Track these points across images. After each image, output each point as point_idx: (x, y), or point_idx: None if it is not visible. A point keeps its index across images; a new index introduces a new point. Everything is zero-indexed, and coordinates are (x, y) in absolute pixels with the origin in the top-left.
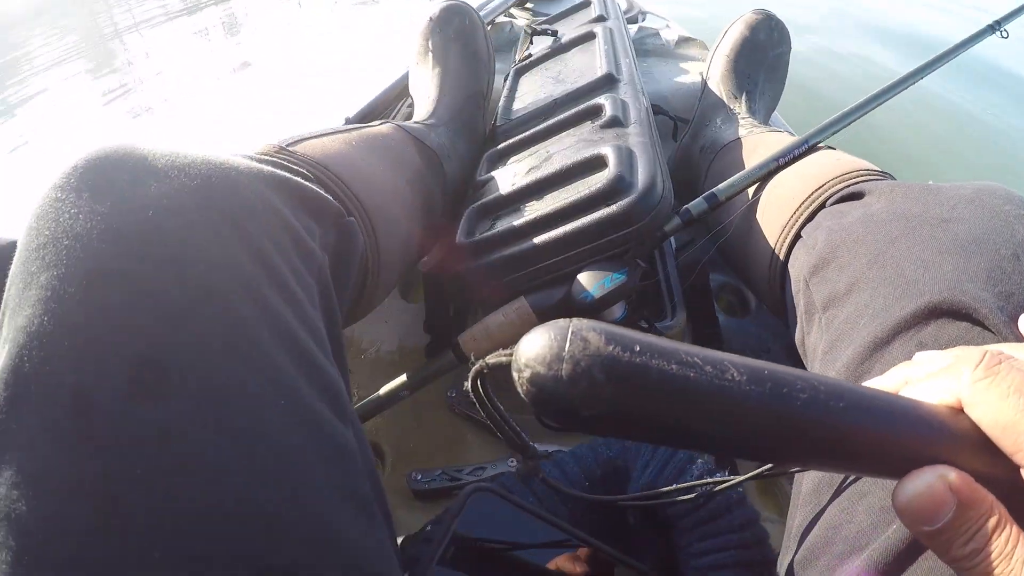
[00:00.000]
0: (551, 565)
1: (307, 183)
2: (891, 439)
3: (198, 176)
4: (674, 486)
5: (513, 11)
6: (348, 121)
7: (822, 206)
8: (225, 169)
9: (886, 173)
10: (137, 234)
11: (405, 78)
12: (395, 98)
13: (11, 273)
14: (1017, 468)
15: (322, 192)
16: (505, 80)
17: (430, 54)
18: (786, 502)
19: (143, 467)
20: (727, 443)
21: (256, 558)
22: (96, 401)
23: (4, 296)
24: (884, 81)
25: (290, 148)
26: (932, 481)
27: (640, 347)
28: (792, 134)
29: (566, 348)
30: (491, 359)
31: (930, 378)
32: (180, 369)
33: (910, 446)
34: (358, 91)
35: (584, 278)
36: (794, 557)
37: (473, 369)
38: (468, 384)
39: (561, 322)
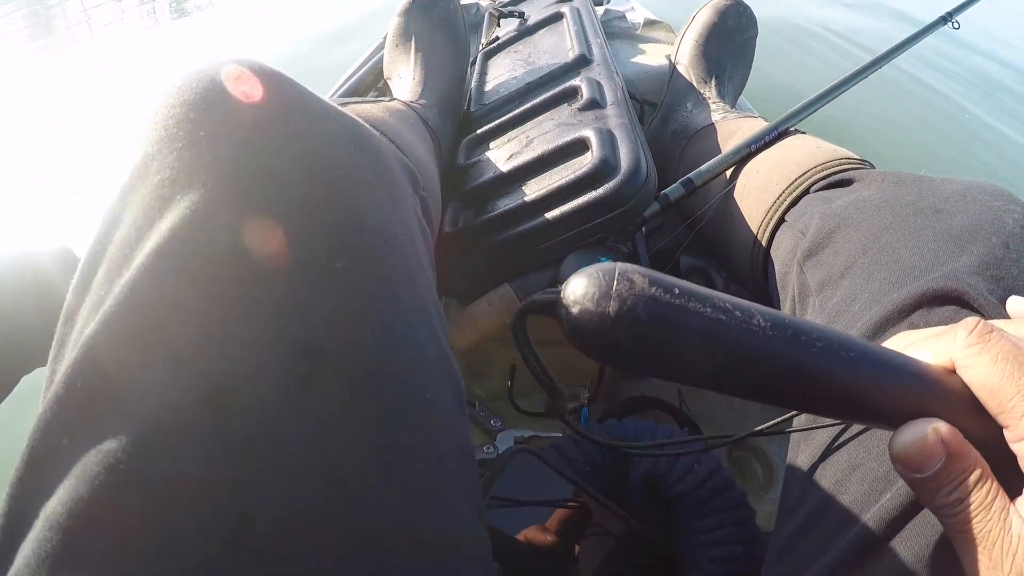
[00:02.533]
0: (520, 536)
1: (401, 153)
2: (892, 390)
3: (346, 124)
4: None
5: None
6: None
7: (806, 192)
8: (361, 124)
9: (866, 161)
10: (290, 180)
11: (377, 63)
12: (374, 79)
13: (106, 215)
14: (1001, 429)
15: (406, 161)
16: (473, 64)
17: (413, 38)
18: (755, 482)
19: (289, 476)
20: (751, 383)
21: None
22: (241, 393)
23: (94, 249)
24: (845, 70)
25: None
26: (926, 431)
27: (679, 290)
28: (762, 118)
29: (613, 287)
30: (539, 296)
31: (928, 340)
32: (342, 357)
33: (908, 398)
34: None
35: (570, 263)
36: (791, 530)
37: (518, 308)
38: (510, 327)
39: (608, 264)
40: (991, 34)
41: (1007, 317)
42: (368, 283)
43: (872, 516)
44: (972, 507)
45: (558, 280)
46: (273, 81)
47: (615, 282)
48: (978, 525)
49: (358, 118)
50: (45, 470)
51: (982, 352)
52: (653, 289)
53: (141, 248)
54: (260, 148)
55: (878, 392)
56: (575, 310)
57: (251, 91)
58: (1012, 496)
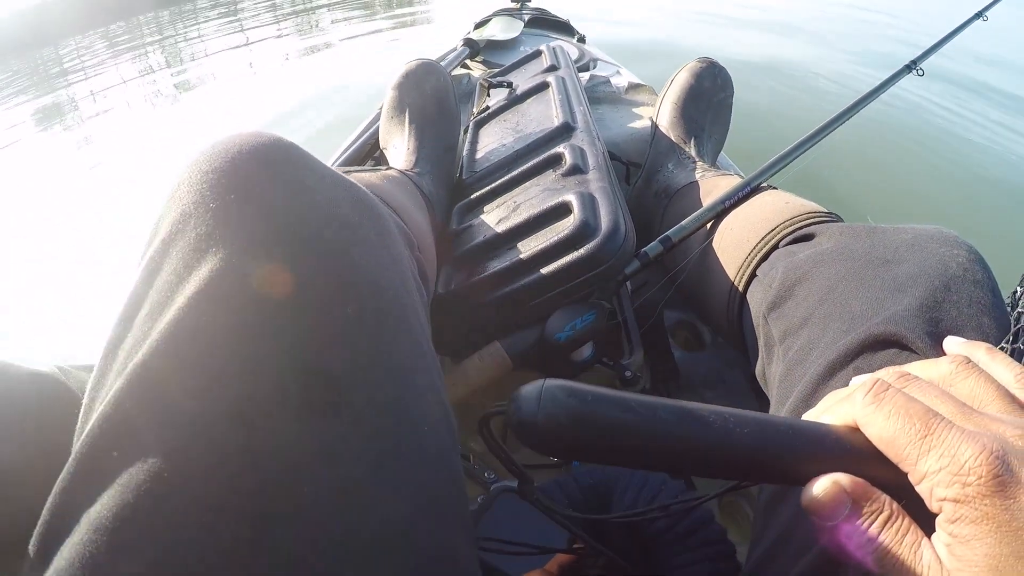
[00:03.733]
0: None
1: (398, 217)
2: (793, 455)
3: (352, 191)
4: (655, 505)
5: (468, 63)
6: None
7: (775, 247)
8: (362, 191)
9: (832, 214)
10: (306, 237)
11: (374, 134)
12: (371, 149)
13: (147, 262)
14: (905, 473)
15: (402, 225)
16: (465, 132)
17: (407, 109)
18: (745, 523)
19: (304, 486)
20: (666, 463)
21: None
22: (265, 413)
23: (137, 291)
24: (815, 124)
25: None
26: (827, 486)
27: (591, 398)
28: (740, 174)
29: (540, 402)
30: (491, 411)
31: (836, 405)
32: (350, 386)
33: (812, 459)
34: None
35: (555, 320)
36: (757, 559)
37: (480, 418)
38: (478, 428)
39: (538, 383)
40: (954, 79)
41: (943, 354)
42: (373, 326)
43: (820, 549)
44: (884, 544)
45: (545, 337)
46: (289, 151)
47: (542, 397)
48: (891, 560)
49: (361, 185)
50: (92, 480)
51: (877, 410)
52: (570, 400)
53: (182, 291)
54: (280, 209)
55: (779, 458)
56: (515, 419)
57: (271, 160)
58: (929, 532)
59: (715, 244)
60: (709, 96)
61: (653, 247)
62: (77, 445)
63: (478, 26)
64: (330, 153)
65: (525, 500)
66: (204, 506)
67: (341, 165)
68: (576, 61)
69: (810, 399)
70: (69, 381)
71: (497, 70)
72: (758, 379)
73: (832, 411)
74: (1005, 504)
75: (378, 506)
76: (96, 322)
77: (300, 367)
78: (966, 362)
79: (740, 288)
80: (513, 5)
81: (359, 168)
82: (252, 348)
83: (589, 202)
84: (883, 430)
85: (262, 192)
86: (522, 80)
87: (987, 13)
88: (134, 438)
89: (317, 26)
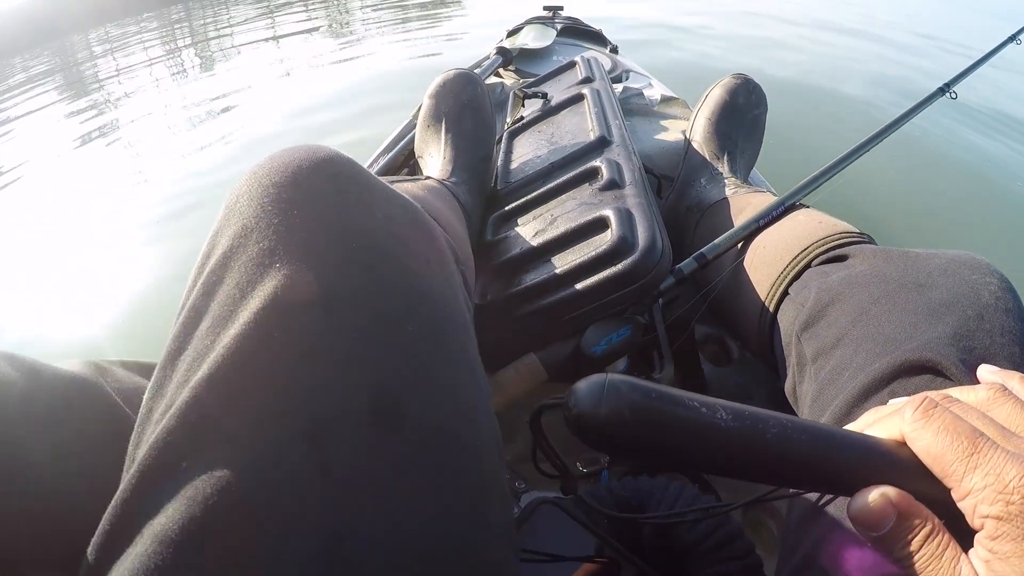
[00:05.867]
0: None
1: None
2: (843, 464)
3: (407, 208)
4: (691, 508)
5: (501, 72)
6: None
7: (807, 266)
8: (416, 207)
9: (864, 235)
10: (368, 255)
11: (409, 142)
12: (407, 158)
13: (207, 274)
14: (948, 489)
15: (450, 240)
16: (499, 142)
17: (444, 119)
18: (770, 539)
19: (374, 501)
20: (718, 464)
21: None
22: (333, 430)
23: (197, 302)
24: (847, 145)
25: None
26: (876, 497)
27: (655, 395)
28: (771, 190)
29: (604, 395)
30: (548, 401)
31: (885, 418)
32: (413, 404)
33: (861, 470)
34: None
35: (592, 334)
36: (787, 574)
37: (533, 411)
38: (527, 420)
39: (599, 376)
40: (988, 103)
41: (976, 382)
42: (432, 343)
43: None
44: (925, 558)
45: (580, 350)
46: (348, 167)
47: (605, 390)
48: (932, 573)
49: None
50: (154, 493)
51: (926, 426)
52: (635, 395)
53: (246, 306)
54: (342, 225)
55: (830, 467)
56: (575, 412)
57: (331, 175)
58: (966, 547)
59: (748, 262)
60: (743, 112)
61: (688, 264)
62: (139, 456)
63: (511, 34)
64: (364, 161)
65: (568, 495)
66: (275, 522)
67: (377, 174)
68: (609, 72)
69: (844, 420)
70: (106, 381)
71: (531, 80)
72: (787, 397)
73: (880, 424)
74: None
75: (436, 523)
76: (133, 319)
77: (366, 384)
78: (1003, 389)
79: (771, 307)
80: (545, 14)
81: (399, 178)
82: (319, 364)
83: (627, 218)
84: (931, 445)
85: (324, 208)
86: (557, 91)
87: (1021, 37)
88: (203, 452)
89: (349, 30)
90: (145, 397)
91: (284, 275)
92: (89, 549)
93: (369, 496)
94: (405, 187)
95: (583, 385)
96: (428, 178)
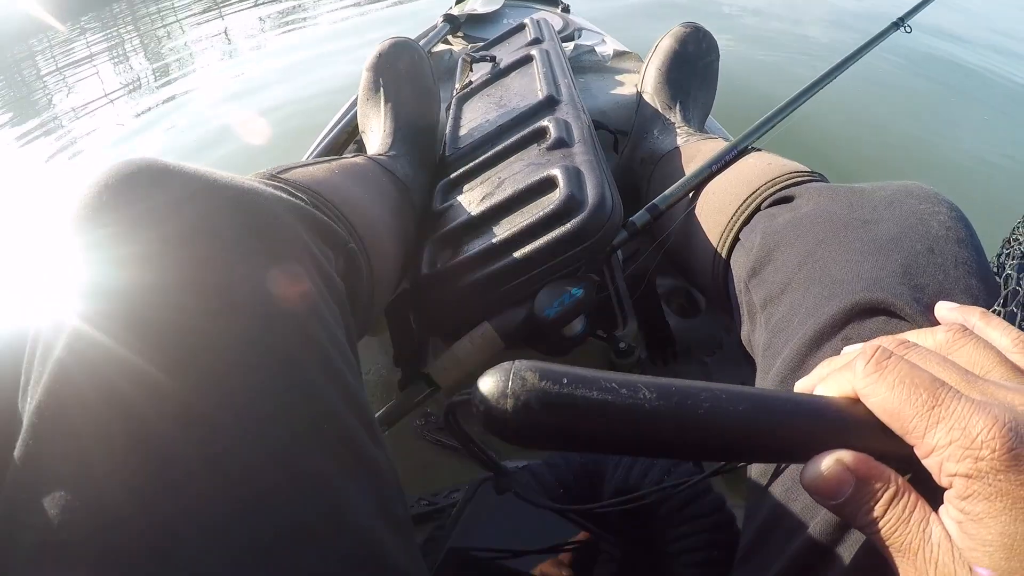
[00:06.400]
0: (536, 572)
1: (316, 211)
2: (791, 432)
3: (232, 200)
4: (642, 492)
5: (449, 39)
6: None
7: (757, 210)
8: (256, 196)
9: (815, 173)
10: (179, 261)
11: (354, 117)
12: (348, 136)
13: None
14: (911, 446)
15: (330, 220)
16: (448, 109)
17: (381, 90)
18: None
19: (190, 473)
20: (648, 448)
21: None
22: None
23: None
24: (803, 82)
25: (282, 176)
26: (830, 464)
27: (567, 379)
28: (727, 137)
29: (508, 386)
30: (456, 399)
31: (835, 374)
32: (231, 393)
33: (811, 436)
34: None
35: (544, 297)
36: (750, 540)
37: (445, 408)
38: (442, 418)
39: (506, 364)
40: (945, 34)
41: (935, 323)
42: (238, 335)
43: (819, 522)
44: (891, 522)
45: (534, 313)
46: (157, 177)
47: (510, 381)
48: (900, 538)
49: (263, 187)
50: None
51: (879, 380)
52: (543, 383)
53: (60, 336)
54: (140, 238)
55: (776, 436)
56: (482, 408)
57: (137, 189)
58: (936, 504)
59: (699, 209)
60: (694, 61)
61: (640, 216)
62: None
63: (459, 1)
64: (311, 143)
65: (501, 494)
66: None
67: (319, 155)
68: (560, 32)
69: (797, 369)
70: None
71: (480, 44)
72: (745, 346)
73: (830, 381)
74: (1020, 479)
75: (263, 499)
76: None
77: (184, 388)
78: (962, 329)
79: (724, 254)
80: None
81: (306, 163)
82: (114, 391)
83: (575, 176)
84: (887, 401)
85: (122, 219)
86: (505, 54)
87: None
88: (45, 479)
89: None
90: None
91: (87, 299)
92: None
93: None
94: (306, 171)
95: (488, 377)
96: (351, 156)
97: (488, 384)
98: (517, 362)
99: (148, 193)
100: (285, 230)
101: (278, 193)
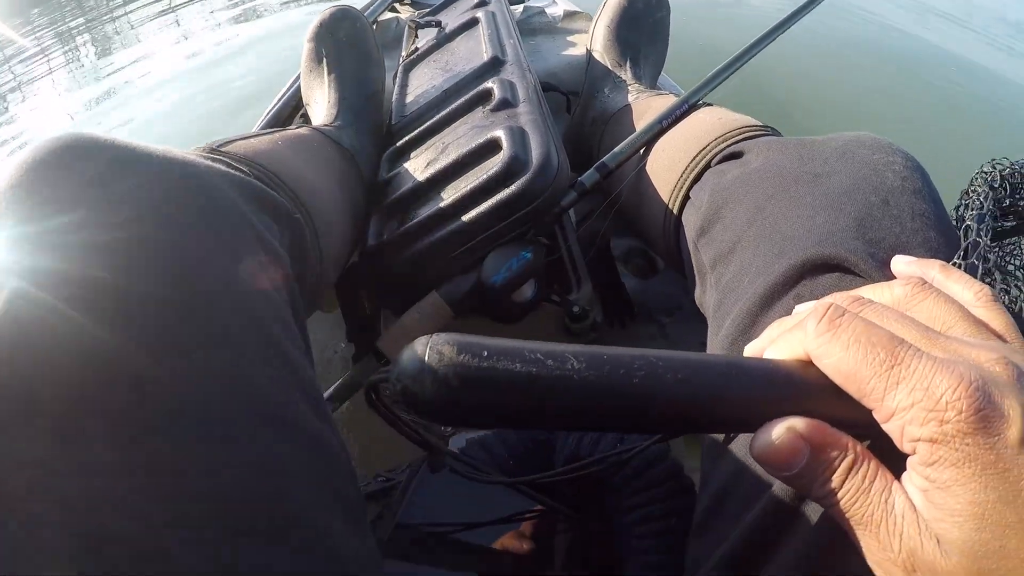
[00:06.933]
0: (497, 545)
1: (258, 182)
2: (737, 400)
3: (168, 173)
4: (588, 459)
5: (396, 6)
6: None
7: (707, 166)
8: (190, 167)
9: (767, 127)
10: (114, 233)
11: (298, 90)
12: (293, 110)
13: None
14: (869, 410)
15: (272, 191)
16: (395, 77)
17: (324, 60)
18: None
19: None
20: (580, 422)
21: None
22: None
23: None
24: (755, 33)
25: (222, 149)
26: (781, 432)
27: (488, 352)
28: (679, 93)
29: (425, 361)
30: (374, 377)
31: (785, 336)
32: (171, 370)
33: (759, 403)
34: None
35: (490, 262)
36: (705, 509)
37: (365, 388)
38: (366, 400)
39: (423, 339)
40: None
41: (892, 278)
42: (177, 318)
43: (776, 489)
44: (850, 493)
45: (481, 281)
46: (88, 151)
47: (427, 355)
48: (860, 510)
49: (201, 160)
50: None
51: (833, 340)
52: (461, 356)
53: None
54: (69, 212)
55: (720, 405)
56: (399, 387)
57: (64, 163)
58: (898, 474)
59: (650, 167)
60: (644, 16)
61: (589, 175)
62: None
63: None
64: (257, 117)
65: (435, 472)
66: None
67: (264, 128)
68: None
69: (748, 330)
70: None
71: (426, 10)
72: (699, 307)
73: (780, 343)
74: (989, 442)
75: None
76: None
77: (129, 368)
78: (921, 283)
79: (675, 212)
80: None
81: (247, 135)
82: (26, 365)
83: (519, 136)
84: (842, 362)
85: (58, 195)
86: (452, 19)
87: None
88: None
89: None
90: None
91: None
92: None
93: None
94: (248, 143)
95: (405, 352)
96: (294, 127)
97: (404, 360)
98: (434, 336)
99: (79, 167)
100: (223, 202)
101: (216, 166)
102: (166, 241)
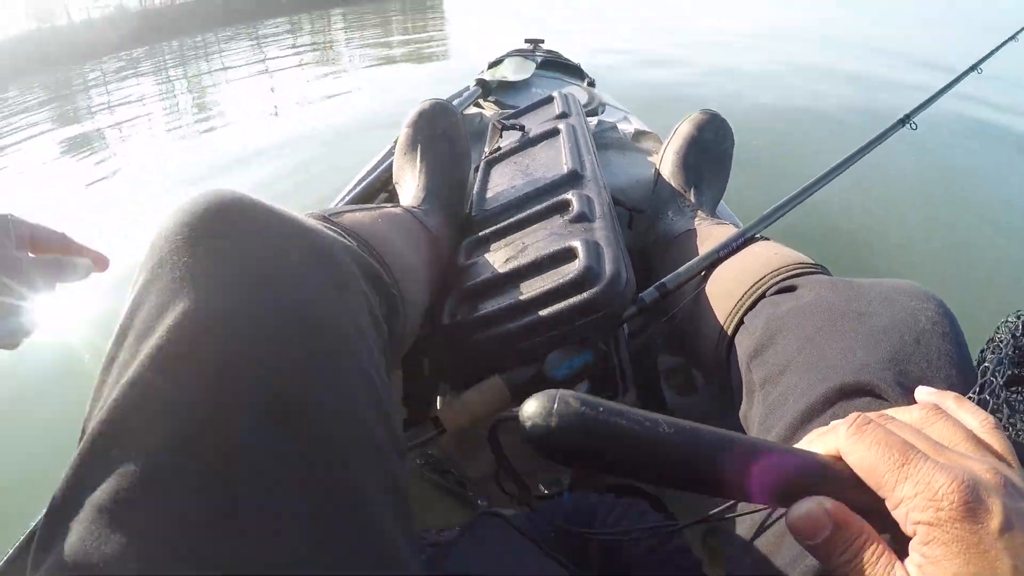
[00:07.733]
0: None
1: (366, 256)
2: (781, 477)
3: (306, 238)
4: (638, 527)
5: (480, 102)
6: (346, 203)
7: (762, 296)
8: (322, 235)
9: (818, 265)
10: (263, 281)
11: (388, 167)
12: (381, 185)
13: (134, 297)
14: (883, 499)
15: (377, 265)
16: (477, 171)
17: (419, 147)
18: (723, 564)
19: (262, 473)
20: (659, 474)
21: None
22: (227, 420)
23: (126, 320)
24: (808, 177)
25: (335, 220)
26: (812, 507)
27: (603, 409)
28: (737, 223)
29: (555, 408)
30: (502, 415)
31: (822, 436)
32: (299, 409)
33: (798, 482)
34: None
35: (554, 358)
36: None
37: (491, 425)
38: (486, 435)
39: (551, 391)
40: (950, 130)
41: (913, 403)
42: (316, 355)
43: (800, 570)
44: (862, 564)
45: (543, 373)
46: (246, 209)
47: (555, 404)
48: None
49: (325, 229)
50: (92, 472)
51: (859, 440)
52: (583, 408)
53: (162, 323)
54: (236, 259)
55: (768, 479)
56: (528, 424)
57: (230, 217)
58: (902, 556)
59: (708, 292)
60: (710, 147)
61: (649, 293)
62: (80, 444)
63: (491, 66)
64: (341, 190)
65: (525, 505)
66: (182, 491)
67: (352, 200)
68: (585, 106)
69: (789, 441)
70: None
71: (509, 112)
72: (741, 422)
73: (817, 442)
74: (974, 528)
75: (319, 518)
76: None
77: (254, 386)
78: (936, 408)
79: (729, 334)
80: (526, 47)
81: (353, 208)
82: (216, 369)
83: (594, 249)
84: (864, 459)
85: (221, 244)
86: (534, 124)
87: (982, 66)
88: (129, 438)
89: (335, 58)
90: (90, 398)
91: (190, 299)
92: (41, 519)
93: (259, 470)
94: (354, 216)
95: (536, 399)
96: (395, 206)
97: (535, 405)
98: (561, 391)
99: (239, 221)
100: (344, 268)
101: (335, 235)
102: (303, 301)
